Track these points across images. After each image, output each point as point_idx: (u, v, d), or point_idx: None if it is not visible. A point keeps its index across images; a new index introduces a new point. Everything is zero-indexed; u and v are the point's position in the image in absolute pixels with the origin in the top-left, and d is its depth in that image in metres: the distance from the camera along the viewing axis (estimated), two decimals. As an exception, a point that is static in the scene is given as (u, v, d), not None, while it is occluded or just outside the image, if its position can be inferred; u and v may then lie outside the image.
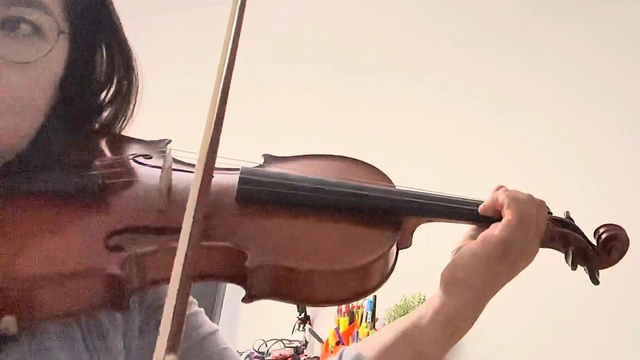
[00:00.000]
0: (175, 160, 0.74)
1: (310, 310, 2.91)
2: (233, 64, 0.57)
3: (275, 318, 2.94)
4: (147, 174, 0.72)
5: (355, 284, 0.67)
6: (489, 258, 0.73)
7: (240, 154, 0.75)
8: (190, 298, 0.83)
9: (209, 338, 0.80)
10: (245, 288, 0.65)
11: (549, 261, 2.73)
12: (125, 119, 0.79)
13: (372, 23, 3.32)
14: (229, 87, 0.54)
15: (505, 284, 0.76)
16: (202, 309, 0.84)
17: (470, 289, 0.73)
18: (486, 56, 3.07)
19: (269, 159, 0.79)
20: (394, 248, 0.71)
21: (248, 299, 0.65)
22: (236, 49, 0.58)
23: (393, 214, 0.73)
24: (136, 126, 0.81)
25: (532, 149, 2.87)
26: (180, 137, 0.78)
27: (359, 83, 3.23)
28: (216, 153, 0.52)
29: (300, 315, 2.88)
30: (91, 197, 0.67)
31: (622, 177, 2.74)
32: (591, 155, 2.80)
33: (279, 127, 3.16)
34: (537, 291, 2.78)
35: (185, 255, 0.45)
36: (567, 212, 0.84)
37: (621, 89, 2.84)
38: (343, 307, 2.80)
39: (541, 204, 0.77)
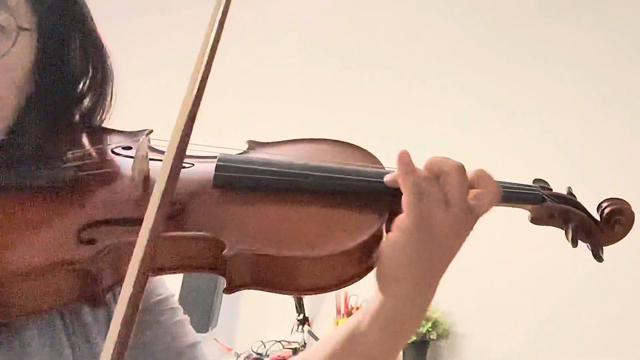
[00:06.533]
0: (154, 150, 0.72)
1: (309, 312, 2.90)
2: (212, 59, 0.56)
3: (273, 319, 2.93)
4: (124, 164, 0.70)
5: (340, 269, 0.65)
6: (407, 246, 0.65)
7: (233, 145, 0.74)
8: (176, 304, 0.81)
9: (189, 350, 0.78)
10: (225, 278, 0.63)
11: (551, 259, 2.70)
12: (103, 109, 0.78)
13: (377, 16, 3.31)
14: (207, 77, 0.53)
15: (444, 266, 0.69)
16: (187, 317, 0.82)
17: (401, 282, 0.67)
18: (490, 52, 3.07)
19: (253, 144, 0.77)
20: (381, 232, 0.68)
21: (229, 289, 0.64)
22: (217, 44, 0.57)
23: (378, 196, 0.69)
24: (132, 122, 0.80)
25: (535, 138, 2.87)
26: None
27: (363, 77, 3.23)
28: (187, 144, 0.51)
29: (298, 316, 2.87)
30: (64, 190, 0.66)
31: (625, 157, 2.76)
32: (592, 137, 2.82)
33: (274, 119, 3.15)
34: (538, 290, 2.77)
35: (143, 254, 0.44)
36: (569, 188, 0.79)
37: (622, 84, 2.84)
38: (342, 308, 2.79)
39: (447, 171, 0.66)
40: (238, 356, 2.81)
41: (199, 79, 0.54)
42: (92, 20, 0.76)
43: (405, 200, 0.66)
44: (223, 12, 0.58)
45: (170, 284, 0.83)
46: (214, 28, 0.57)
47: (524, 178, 0.79)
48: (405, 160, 0.66)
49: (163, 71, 3.41)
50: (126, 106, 0.83)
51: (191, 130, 0.52)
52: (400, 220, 0.66)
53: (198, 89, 0.54)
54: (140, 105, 2.70)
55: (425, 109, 3.08)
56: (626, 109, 2.83)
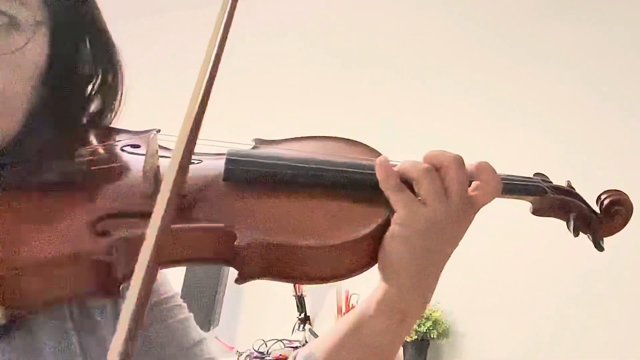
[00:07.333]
0: (163, 148, 0.73)
1: (310, 310, 2.91)
2: (220, 56, 0.57)
3: (275, 318, 2.94)
4: (134, 161, 0.72)
5: (349, 259, 0.67)
6: (408, 237, 0.67)
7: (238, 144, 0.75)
8: (181, 302, 0.82)
9: (196, 347, 0.79)
10: (237, 269, 0.65)
11: (552, 259, 2.70)
12: (113, 111, 0.79)
13: (378, 16, 3.32)
14: (215, 72, 0.55)
15: (445, 256, 0.70)
16: (191, 314, 0.83)
17: (403, 272, 0.68)
18: (490, 52, 3.08)
19: (260, 142, 0.79)
20: (389, 222, 0.69)
21: (241, 279, 0.65)
22: (224, 42, 0.59)
23: None
24: (134, 121, 0.81)
25: (535, 136, 2.88)
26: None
27: (364, 76, 3.23)
28: (197, 137, 0.52)
29: (300, 315, 2.88)
30: (76, 185, 0.67)
31: (623, 153, 2.78)
32: (591, 134, 2.85)
33: (276, 119, 3.16)
34: (538, 290, 2.77)
35: (154, 245, 0.45)
36: (569, 181, 0.80)
37: (622, 84, 2.86)
38: (343, 307, 2.80)
39: (446, 164, 0.68)
40: (239, 355, 2.81)
41: (207, 76, 0.55)
42: (103, 21, 0.77)
43: (388, 197, 0.68)
44: (230, 11, 0.60)
45: (172, 283, 0.84)
46: (221, 28, 0.59)
47: (525, 174, 0.80)
48: (382, 164, 0.69)
49: (162, 72, 3.42)
50: (126, 106, 0.84)
51: (201, 123, 0.54)
52: (395, 214, 0.68)
53: (206, 85, 0.55)
54: (140, 106, 2.70)
55: (426, 108, 3.09)
56: (625, 107, 2.85)
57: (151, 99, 3.14)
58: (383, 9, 3.31)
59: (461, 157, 0.70)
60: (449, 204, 0.67)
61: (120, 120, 0.81)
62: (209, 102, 0.54)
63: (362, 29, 3.31)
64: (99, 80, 0.77)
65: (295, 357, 0.78)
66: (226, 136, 0.74)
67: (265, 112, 3.23)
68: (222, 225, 0.65)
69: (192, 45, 3.51)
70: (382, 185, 0.69)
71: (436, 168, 0.69)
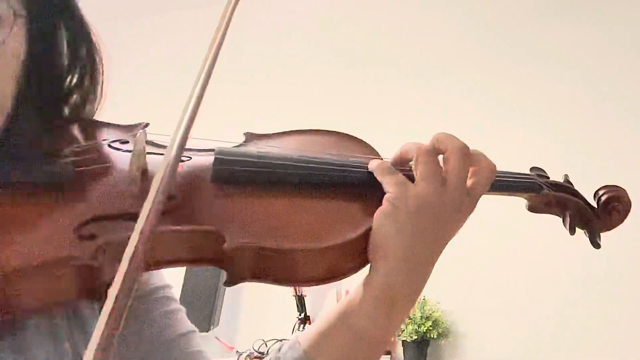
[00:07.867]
0: (152, 144, 0.71)
1: (310, 310, 2.91)
2: (216, 59, 0.56)
3: (275, 318, 2.94)
4: (122, 159, 0.69)
5: (342, 261, 0.65)
6: (395, 217, 0.65)
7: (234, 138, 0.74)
8: (170, 294, 0.80)
9: (180, 339, 0.77)
10: (225, 271, 0.63)
11: (552, 260, 2.69)
12: (95, 102, 0.77)
13: (381, 16, 3.32)
14: (210, 72, 0.53)
15: (436, 247, 0.68)
16: (182, 308, 0.80)
17: (394, 254, 0.65)
18: (491, 51, 3.08)
19: (250, 137, 0.75)
20: None
21: (230, 282, 0.63)
22: (221, 44, 0.57)
23: (377, 186, 0.68)
24: (134, 121, 0.79)
25: (535, 134, 2.88)
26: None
27: (367, 76, 3.24)
28: (187, 140, 0.50)
29: (300, 315, 2.87)
30: (62, 186, 0.65)
31: (621, 148, 2.78)
32: (590, 130, 2.86)
33: (278, 117, 3.16)
34: (538, 290, 2.77)
35: (134, 249, 0.43)
36: (566, 175, 0.79)
37: (621, 83, 2.86)
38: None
39: (450, 150, 0.67)
40: (239, 355, 2.81)
41: (202, 79, 0.54)
42: (79, 10, 0.75)
43: (380, 181, 0.67)
44: (229, 16, 0.58)
45: (172, 284, 0.82)
46: (220, 33, 0.57)
47: (524, 169, 0.79)
48: (376, 164, 0.69)
49: (162, 72, 3.42)
50: (126, 105, 0.82)
51: (191, 129, 0.52)
52: (386, 194, 0.66)
53: (200, 89, 0.54)
54: (140, 105, 2.71)
55: (427, 107, 3.09)
56: (624, 107, 2.85)
57: (151, 99, 3.14)
58: (386, 9, 3.31)
59: (466, 147, 0.67)
60: (444, 191, 0.66)
61: (120, 120, 0.79)
62: (201, 105, 0.52)
63: (366, 28, 3.32)
64: (78, 71, 0.76)
65: (280, 348, 0.75)
66: (228, 136, 0.72)
67: (268, 111, 3.23)
68: (209, 228, 0.62)
69: (192, 45, 3.51)
70: (375, 174, 0.67)
71: (439, 152, 0.67)
